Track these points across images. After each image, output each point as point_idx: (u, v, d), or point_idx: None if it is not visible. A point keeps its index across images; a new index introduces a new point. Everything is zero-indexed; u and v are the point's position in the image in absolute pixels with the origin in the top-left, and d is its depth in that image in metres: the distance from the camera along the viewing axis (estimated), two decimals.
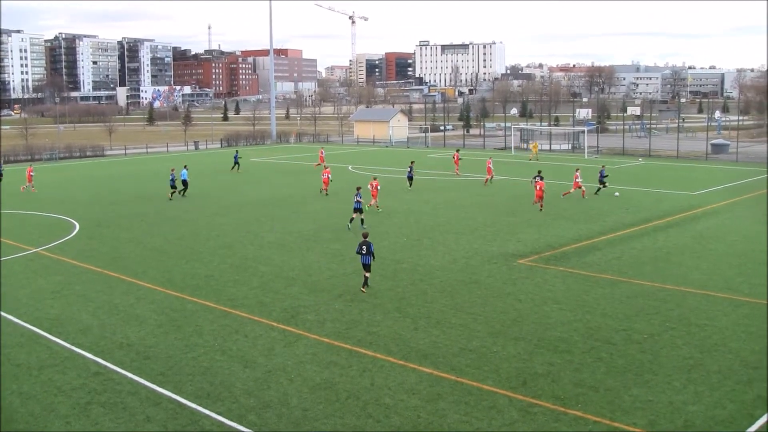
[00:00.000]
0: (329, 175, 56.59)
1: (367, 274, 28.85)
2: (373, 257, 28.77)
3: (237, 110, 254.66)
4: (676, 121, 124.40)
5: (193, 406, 18.45)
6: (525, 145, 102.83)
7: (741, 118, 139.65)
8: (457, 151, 75.38)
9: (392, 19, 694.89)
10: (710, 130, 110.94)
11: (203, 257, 35.14)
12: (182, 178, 55.92)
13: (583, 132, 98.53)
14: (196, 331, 24.09)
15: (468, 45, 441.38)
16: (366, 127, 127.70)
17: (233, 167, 74.53)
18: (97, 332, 24.14)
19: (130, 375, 20.44)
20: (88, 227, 43.16)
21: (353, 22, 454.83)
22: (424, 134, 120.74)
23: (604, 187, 54.17)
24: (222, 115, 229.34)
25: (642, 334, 23.33)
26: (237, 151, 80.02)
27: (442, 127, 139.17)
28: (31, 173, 62.64)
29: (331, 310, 26.26)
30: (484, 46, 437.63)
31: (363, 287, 28.80)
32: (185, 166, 58.37)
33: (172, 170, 56.42)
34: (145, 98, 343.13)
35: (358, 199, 41.67)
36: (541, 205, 47.46)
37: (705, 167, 75.85)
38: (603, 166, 57.23)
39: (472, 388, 19.37)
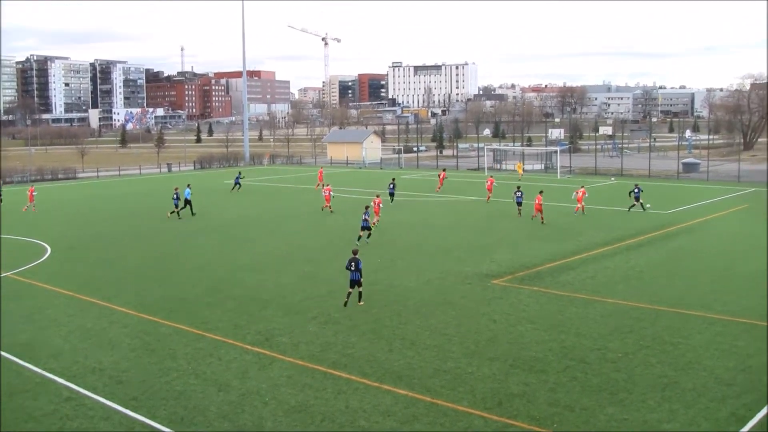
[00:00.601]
0: (331, 192, 58.42)
1: (352, 290, 29.43)
2: (361, 274, 29.30)
3: (210, 132, 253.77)
4: (648, 140, 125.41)
5: (167, 430, 18.26)
6: (498, 165, 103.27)
7: (711, 137, 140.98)
8: (444, 170, 77.74)
9: (365, 41, 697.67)
10: (681, 149, 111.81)
11: (177, 279, 34.92)
12: (185, 197, 56.73)
13: (556, 152, 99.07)
14: (170, 355, 23.88)
15: (440, 66, 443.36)
16: (339, 149, 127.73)
17: (234, 187, 75.05)
18: (69, 357, 23.87)
19: (102, 400, 20.20)
20: (60, 250, 42.78)
21: (326, 44, 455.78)
22: (397, 155, 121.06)
23: (638, 203, 55.86)
24: (195, 137, 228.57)
25: (616, 353, 23.38)
26: (240, 172, 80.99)
27: (415, 148, 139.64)
28: (33, 193, 63.26)
29: (305, 333, 26.13)
30: (457, 67, 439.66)
31: (347, 301, 29.36)
32: (188, 185, 59.02)
33: (176, 189, 57.43)
34: (118, 120, 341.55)
35: (365, 217, 43.25)
36: (542, 218, 50.22)
37: (677, 186, 76.45)
38: (637, 185, 58.31)
39: (448, 409, 19.31)
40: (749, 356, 22.91)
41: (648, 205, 56.07)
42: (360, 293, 29.63)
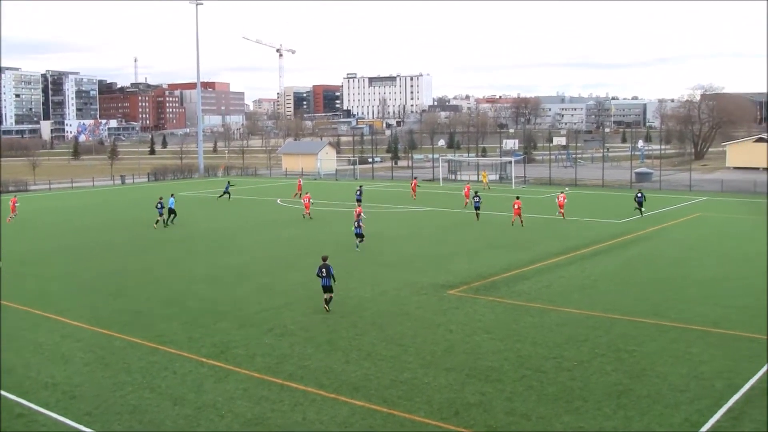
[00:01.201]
0: (310, 200, 61.46)
1: (327, 296, 30.22)
2: (334, 279, 30.21)
3: (164, 144, 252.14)
4: (601, 150, 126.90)
5: None
6: (453, 176, 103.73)
7: (663, 147, 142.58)
8: (415, 178, 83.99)
9: (320, 52, 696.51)
10: (634, 159, 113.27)
11: (131, 292, 34.58)
12: (169, 206, 58.16)
13: (511, 162, 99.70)
14: (124, 369, 23.63)
15: (395, 77, 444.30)
16: (294, 160, 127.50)
17: (222, 195, 77.29)
18: (21, 372, 23.51)
19: (55, 416, 19.93)
20: (11, 264, 42.11)
21: (281, 55, 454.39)
22: (352, 166, 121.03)
23: (640, 208, 59.51)
24: (149, 149, 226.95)
25: (572, 362, 23.56)
26: (229, 182, 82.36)
27: (370, 159, 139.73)
28: (16, 203, 64.43)
29: (261, 345, 26.01)
30: (412, 78, 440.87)
31: (326, 306, 30.19)
32: (172, 195, 61.27)
33: (160, 198, 58.36)
34: (70, 132, 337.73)
35: (359, 224, 45.71)
36: (522, 221, 53.47)
37: (630, 195, 76.91)
38: (640, 190, 62.35)
39: (405, 420, 19.32)
40: (702, 363, 23.22)
41: (643, 209, 59.58)
42: (328, 299, 30.29)
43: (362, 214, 50.66)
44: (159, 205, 57.49)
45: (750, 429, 18.45)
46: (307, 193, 63.79)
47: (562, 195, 60.12)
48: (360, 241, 45.34)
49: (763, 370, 22.46)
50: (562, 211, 58.19)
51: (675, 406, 19.80)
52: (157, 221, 56.97)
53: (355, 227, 45.64)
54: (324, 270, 29.94)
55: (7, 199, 68.94)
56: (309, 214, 59.96)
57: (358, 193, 68.45)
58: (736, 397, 20.35)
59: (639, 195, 60.25)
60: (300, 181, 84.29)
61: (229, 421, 19.42)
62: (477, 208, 58.39)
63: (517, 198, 56.68)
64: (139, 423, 19.35)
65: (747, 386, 21.15)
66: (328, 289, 30.14)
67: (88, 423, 19.39)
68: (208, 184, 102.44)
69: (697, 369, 22.66)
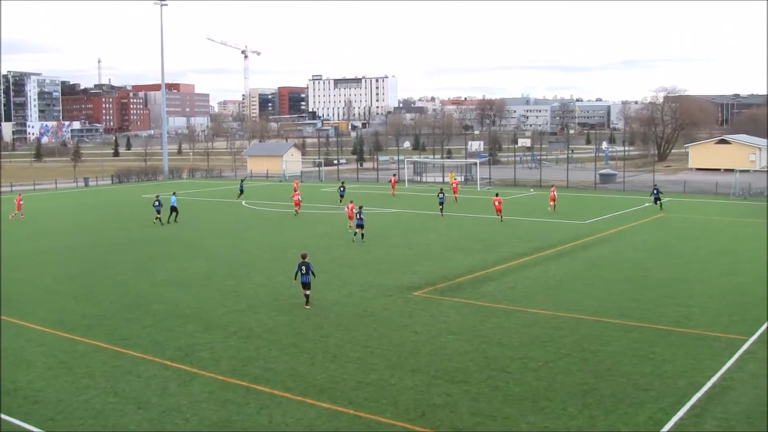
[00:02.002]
0: (299, 197, 65.50)
1: (307, 292, 31.27)
2: (313, 275, 31.49)
3: (128, 146, 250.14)
4: (566, 152, 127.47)
5: None
6: (419, 177, 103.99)
7: (627, 148, 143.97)
8: (394, 175, 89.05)
9: (285, 54, 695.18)
10: (598, 161, 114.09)
11: (95, 296, 34.29)
12: (171, 204, 60.17)
13: (476, 164, 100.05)
14: (88, 373, 23.46)
15: (361, 79, 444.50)
16: (259, 162, 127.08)
17: (240, 195, 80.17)
18: None
19: (17, 422, 19.73)
20: None
21: (246, 57, 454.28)
22: (317, 168, 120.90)
23: (659, 202, 65.43)
24: (113, 151, 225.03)
25: (537, 362, 23.72)
26: (242, 180, 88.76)
27: (335, 161, 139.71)
28: (20, 201, 66.34)
29: (226, 348, 25.94)
30: (377, 80, 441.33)
31: (306, 305, 31.09)
32: (174, 193, 63.91)
33: (157, 196, 61.26)
34: (32, 134, 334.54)
35: (360, 216, 48.78)
36: (501, 217, 57.31)
37: (594, 197, 77.91)
38: (655, 186, 68.94)
39: (371, 421, 19.35)
40: (665, 362, 23.48)
41: (661, 202, 65.59)
42: (307, 296, 31.31)
43: (346, 210, 54.08)
44: (156, 203, 59.47)
45: (712, 426, 18.69)
46: (297, 192, 67.75)
47: (552, 189, 67.78)
48: (361, 233, 48.58)
49: (725, 368, 22.77)
50: (552, 203, 64.09)
51: (639, 405, 20.00)
52: (156, 218, 58.94)
53: (357, 219, 48.90)
54: (304, 267, 31.02)
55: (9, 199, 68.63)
56: (297, 212, 63.67)
57: (342, 190, 74.11)
58: (698, 395, 20.62)
59: (655, 191, 65.91)
60: (297, 183, 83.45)
61: (195, 424, 19.35)
62: (441, 203, 61.67)
63: (497, 195, 60.80)
64: (102, 427, 19.23)
65: (709, 384, 21.43)
66: (307, 286, 31.20)
67: (50, 428, 19.23)
68: (173, 186, 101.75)
69: (660, 368, 22.91)
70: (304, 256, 31.59)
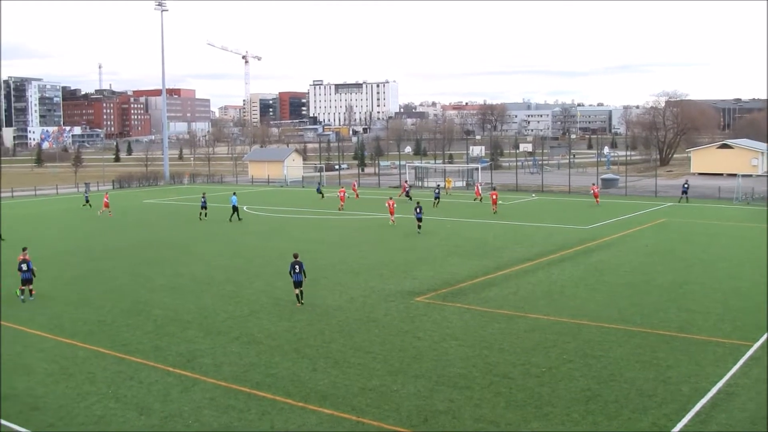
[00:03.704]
0: (345, 194, 73.78)
1: (297, 291, 32.52)
2: (305, 275, 32.70)
3: (129, 151, 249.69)
4: (567, 157, 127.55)
5: None
6: (420, 183, 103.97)
7: (629, 153, 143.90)
8: (406, 181, 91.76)
9: (286, 59, 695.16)
10: (600, 165, 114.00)
11: (93, 302, 34.21)
12: (232, 204, 64.37)
13: (477, 169, 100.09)
14: (89, 379, 23.39)
15: (362, 84, 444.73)
16: (260, 167, 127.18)
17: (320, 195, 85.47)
18: None
19: (17, 428, 19.67)
20: None
21: (246, 62, 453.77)
22: (318, 173, 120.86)
23: (685, 196, 73.56)
24: (113, 156, 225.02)
25: (540, 368, 23.64)
26: (319, 182, 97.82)
27: (336, 166, 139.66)
28: (107, 199, 72.43)
29: (228, 353, 25.87)
30: (378, 85, 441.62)
31: (300, 301, 32.47)
32: (234, 193, 68.08)
33: (204, 194, 68.30)
34: (33, 139, 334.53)
35: (419, 211, 54.14)
36: (495, 209, 65.54)
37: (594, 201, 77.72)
38: (687, 180, 78.45)
39: (373, 427, 19.28)
40: (669, 367, 23.39)
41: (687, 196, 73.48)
42: (299, 294, 32.47)
43: (388, 207, 59.87)
44: (202, 200, 66.15)
45: None
46: (343, 188, 76.11)
47: (594, 186, 75.00)
48: (419, 223, 54.00)
49: (729, 374, 22.69)
50: (596, 199, 72.46)
51: (643, 411, 19.92)
52: (201, 214, 64.93)
53: (417, 213, 54.40)
54: (297, 266, 32.28)
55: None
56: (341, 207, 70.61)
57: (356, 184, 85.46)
58: (703, 401, 20.53)
59: (685, 185, 74.43)
60: (355, 184, 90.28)
61: (196, 430, 19.28)
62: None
63: (494, 189, 69.41)
64: None
65: (713, 390, 21.35)
66: (299, 284, 32.45)
67: None
68: (174, 192, 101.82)
69: (664, 374, 22.83)
70: (296, 256, 32.82)
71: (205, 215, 65.24)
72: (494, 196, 67.24)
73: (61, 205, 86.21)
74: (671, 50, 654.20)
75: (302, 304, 32.29)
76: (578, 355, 24.88)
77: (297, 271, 32.38)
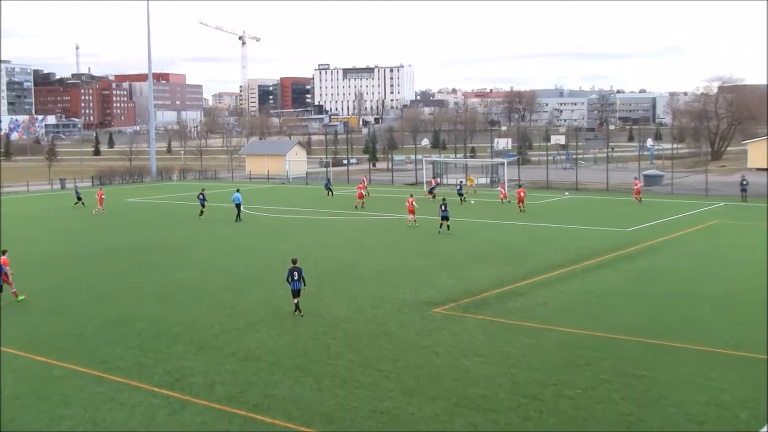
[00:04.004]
0: (363, 191, 74.94)
1: (296, 300, 32.36)
2: (304, 283, 32.48)
3: (111, 143, 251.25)
4: (605, 150, 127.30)
5: None
6: (439, 179, 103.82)
7: (675, 146, 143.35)
8: (434, 178, 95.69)
9: (288, 40, 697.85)
10: (642, 160, 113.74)
11: (72, 312, 34.22)
12: (236, 202, 64.92)
13: (503, 164, 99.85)
14: (64, 401, 23.35)
15: (373, 69, 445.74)
16: (259, 162, 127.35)
17: (328, 194, 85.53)
18: None
19: None
20: None
21: (244, 43, 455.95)
22: (324, 169, 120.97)
23: (744, 194, 74.60)
24: (93, 149, 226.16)
25: (574, 389, 23.50)
26: (329, 179, 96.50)
27: (345, 161, 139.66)
28: (102, 196, 73.31)
29: (222, 371, 25.82)
30: (391, 70, 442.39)
31: (298, 312, 32.33)
32: (237, 190, 68.26)
33: (203, 190, 70.66)
34: (1, 129, 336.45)
35: (444, 209, 54.61)
36: (522, 208, 67.29)
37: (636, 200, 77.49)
38: (744, 176, 79.99)
39: None
40: (722, 390, 23.17)
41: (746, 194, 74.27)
42: (296, 304, 32.37)
43: (407, 205, 60.09)
44: (201, 197, 67.76)
45: None
46: (361, 185, 77.45)
47: (636, 182, 77.26)
48: (447, 224, 54.72)
49: None
50: (638, 196, 74.05)
51: None
52: (201, 212, 66.51)
53: (443, 211, 54.63)
54: (295, 273, 32.10)
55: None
56: (360, 203, 72.62)
57: (365, 180, 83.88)
58: (763, 430, 20.29)
59: (744, 182, 75.35)
60: (365, 180, 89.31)
61: None
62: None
63: (520, 186, 73.36)
64: None
65: None
66: (297, 293, 32.33)
67: None
68: (162, 189, 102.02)
69: (717, 397, 22.62)
70: (294, 261, 32.76)
71: (201, 213, 66.55)
72: (521, 194, 68.79)
73: (35, 204, 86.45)
74: (725, 28, 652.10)
75: (302, 315, 32.20)
76: (617, 375, 24.72)
77: (296, 278, 32.17)
